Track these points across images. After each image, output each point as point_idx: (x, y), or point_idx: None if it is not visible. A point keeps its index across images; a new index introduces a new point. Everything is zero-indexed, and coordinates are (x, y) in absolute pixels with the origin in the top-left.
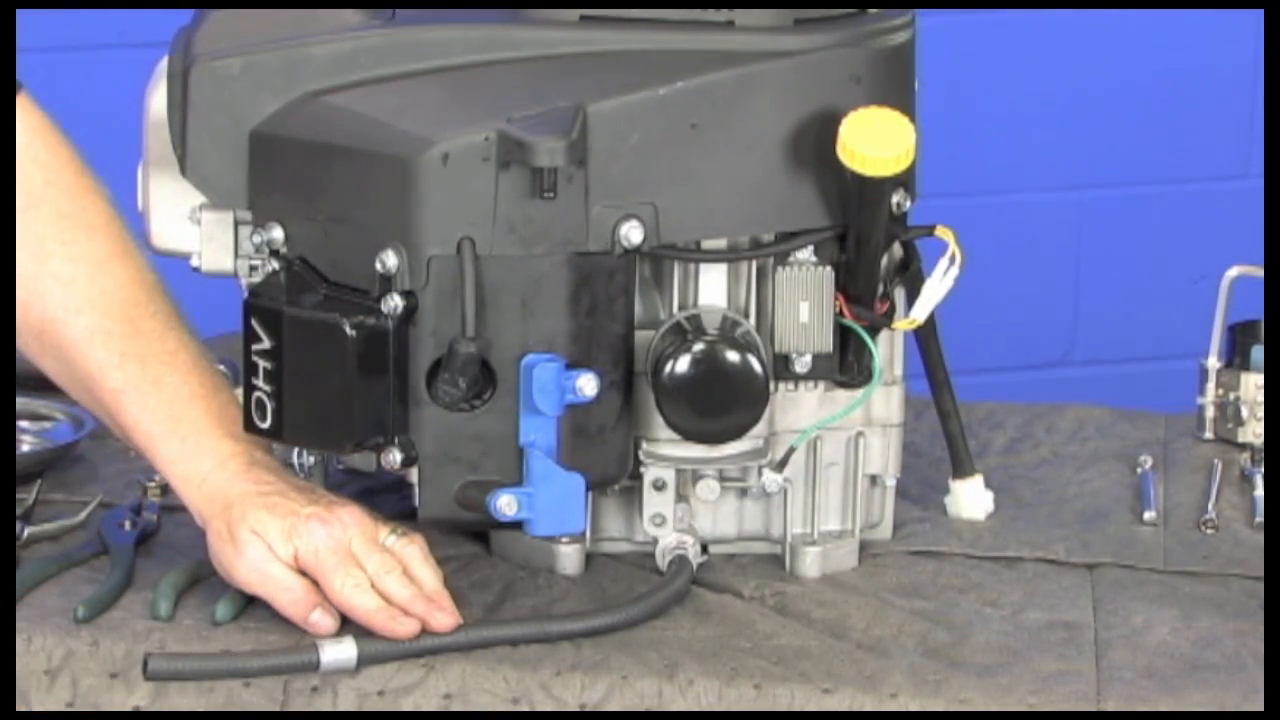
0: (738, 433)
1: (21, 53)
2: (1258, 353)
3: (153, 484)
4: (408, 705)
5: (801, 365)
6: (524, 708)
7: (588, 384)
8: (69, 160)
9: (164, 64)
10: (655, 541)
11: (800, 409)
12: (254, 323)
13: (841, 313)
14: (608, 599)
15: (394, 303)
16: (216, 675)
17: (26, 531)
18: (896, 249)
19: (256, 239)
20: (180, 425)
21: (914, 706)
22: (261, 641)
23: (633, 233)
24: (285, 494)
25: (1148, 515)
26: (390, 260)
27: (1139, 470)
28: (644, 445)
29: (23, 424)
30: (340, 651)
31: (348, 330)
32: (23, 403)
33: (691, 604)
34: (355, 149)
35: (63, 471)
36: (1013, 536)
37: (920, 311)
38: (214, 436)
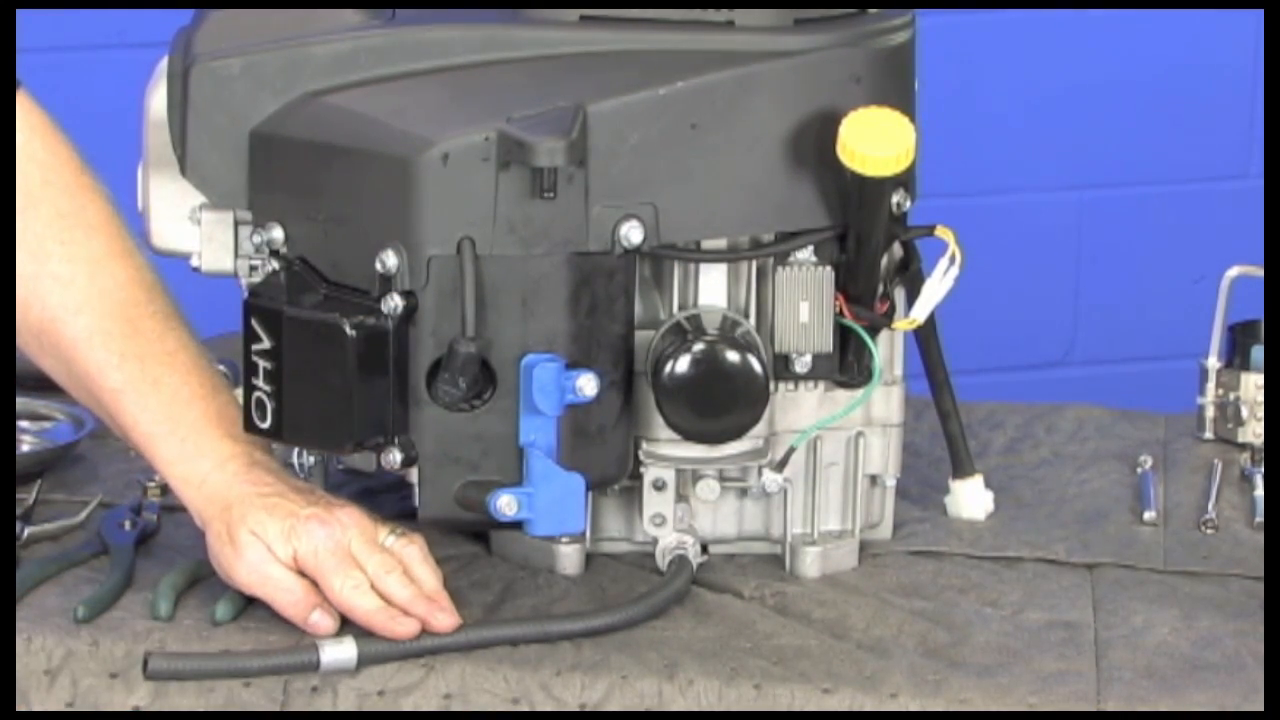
0: (738, 433)
1: (21, 53)
2: (1258, 353)
3: (153, 484)
4: (408, 705)
5: (801, 365)
6: (524, 708)
7: (588, 384)
8: (68, 159)
9: (164, 64)
10: (655, 541)
11: (800, 409)
12: (254, 323)
13: (841, 313)
14: (608, 599)
15: (394, 303)
16: (216, 675)
17: (26, 531)
18: (896, 249)
19: (256, 239)
20: (179, 426)
21: (914, 706)
22: (261, 641)
23: (633, 233)
24: (284, 495)
25: (1148, 515)
26: (390, 260)
27: (1139, 470)
28: (644, 445)
29: (23, 424)
30: (340, 651)
31: (348, 330)
32: (23, 403)
33: (691, 604)
34: (355, 149)
35: (63, 471)
36: (1013, 536)
37: (920, 311)
38: (213, 437)
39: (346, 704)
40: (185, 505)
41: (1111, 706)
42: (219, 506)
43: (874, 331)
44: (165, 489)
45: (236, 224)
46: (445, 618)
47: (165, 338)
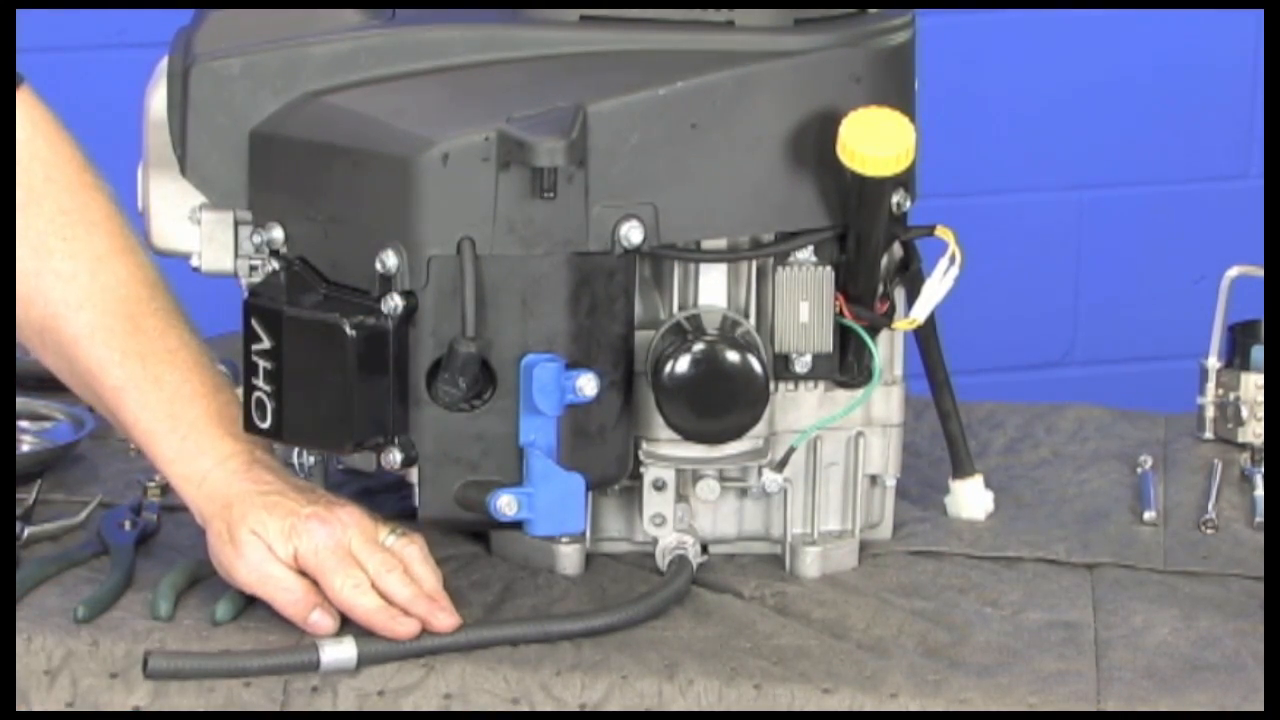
0: (738, 433)
1: (21, 53)
2: (1258, 353)
3: (153, 484)
4: (408, 705)
5: (801, 365)
6: (524, 708)
7: (588, 384)
8: (71, 156)
9: (164, 64)
10: (655, 541)
11: (800, 409)
12: (254, 323)
13: (841, 313)
14: (608, 599)
15: (394, 303)
16: (216, 674)
17: (26, 531)
18: (896, 249)
19: (256, 239)
20: (180, 424)
21: (914, 706)
22: (261, 641)
23: (633, 233)
24: (285, 494)
25: (1148, 515)
26: (390, 260)
27: (1139, 470)
28: (644, 445)
29: (23, 424)
30: (340, 651)
31: (348, 330)
32: (23, 403)
33: (691, 604)
34: (355, 149)
35: (63, 471)
36: (1013, 536)
37: (920, 311)
38: (214, 435)
39: (346, 704)
40: (186, 503)
41: (1111, 706)
42: (219, 504)
43: (874, 331)
44: (165, 489)
45: (236, 224)
46: (445, 617)
47: (167, 335)
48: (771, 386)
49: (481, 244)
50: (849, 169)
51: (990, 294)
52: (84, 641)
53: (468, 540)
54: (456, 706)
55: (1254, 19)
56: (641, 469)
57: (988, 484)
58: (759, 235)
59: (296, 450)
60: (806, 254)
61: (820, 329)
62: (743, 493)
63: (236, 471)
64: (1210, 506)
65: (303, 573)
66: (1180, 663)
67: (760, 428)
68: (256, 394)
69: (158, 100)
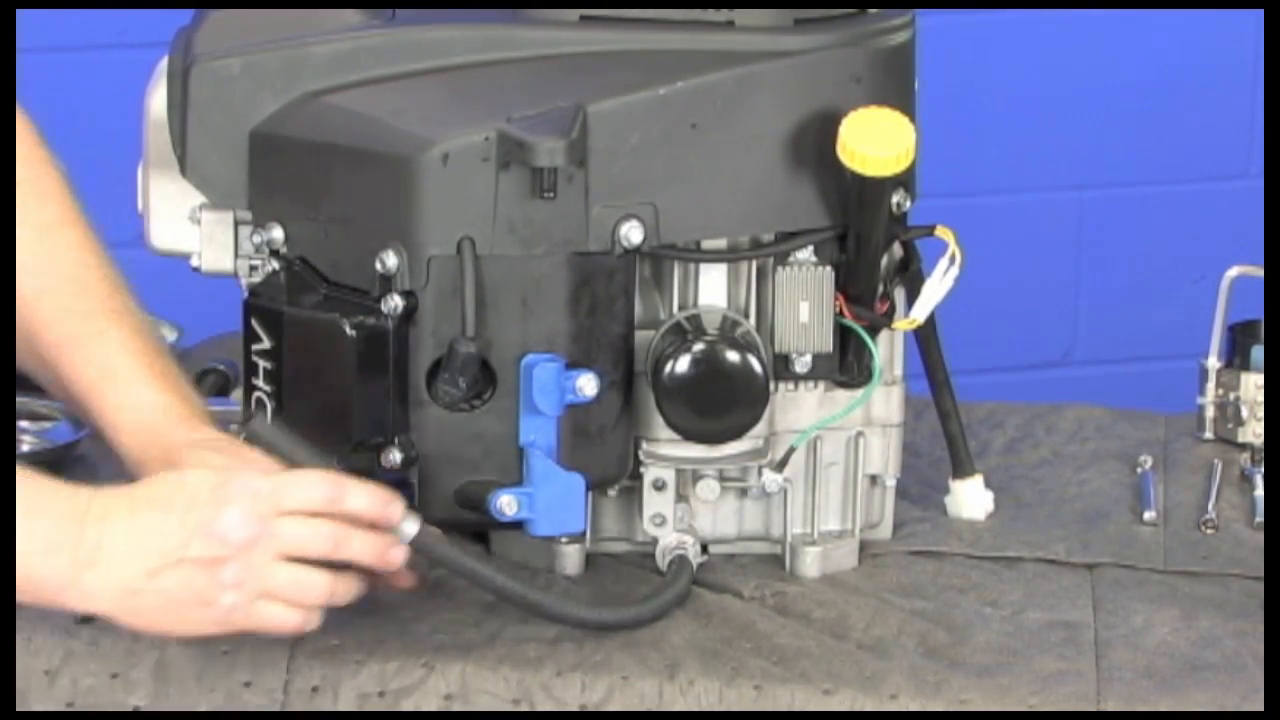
0: (738, 433)
1: (21, 53)
2: (1258, 353)
3: None
4: (408, 705)
5: (801, 365)
6: (524, 708)
7: (588, 384)
8: (26, 131)
9: (164, 64)
10: (655, 541)
11: (800, 409)
12: (254, 323)
13: (841, 313)
14: (608, 599)
15: (394, 303)
16: (305, 461)
17: None
18: (896, 249)
19: (256, 239)
20: (120, 376)
21: (914, 707)
22: (263, 641)
23: (633, 233)
24: (218, 448)
25: (1148, 515)
26: (390, 260)
27: (1139, 470)
28: (644, 445)
29: (23, 424)
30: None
31: (348, 330)
32: (23, 403)
33: (692, 604)
34: (355, 149)
35: (63, 471)
36: (1013, 536)
37: (920, 311)
38: (155, 389)
39: (347, 704)
40: (121, 456)
41: (1111, 706)
42: (158, 450)
43: (874, 331)
44: None
45: (236, 224)
46: (398, 552)
47: (113, 298)
48: (771, 386)
49: (481, 244)
50: (849, 169)
51: (990, 294)
52: (84, 641)
53: (468, 540)
54: (457, 707)
55: (1254, 19)
56: (641, 469)
57: (988, 484)
58: (759, 235)
59: None
60: (806, 254)
61: (820, 329)
62: (743, 493)
63: (178, 419)
64: (1210, 506)
65: None
66: (1180, 663)
67: (760, 428)
68: (256, 394)
69: (158, 100)
